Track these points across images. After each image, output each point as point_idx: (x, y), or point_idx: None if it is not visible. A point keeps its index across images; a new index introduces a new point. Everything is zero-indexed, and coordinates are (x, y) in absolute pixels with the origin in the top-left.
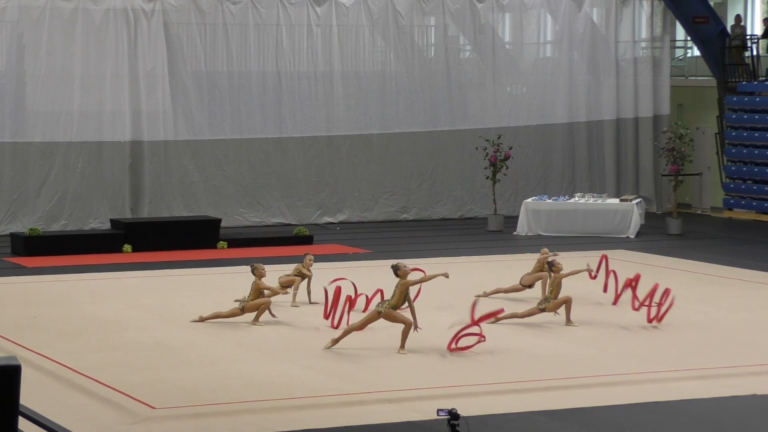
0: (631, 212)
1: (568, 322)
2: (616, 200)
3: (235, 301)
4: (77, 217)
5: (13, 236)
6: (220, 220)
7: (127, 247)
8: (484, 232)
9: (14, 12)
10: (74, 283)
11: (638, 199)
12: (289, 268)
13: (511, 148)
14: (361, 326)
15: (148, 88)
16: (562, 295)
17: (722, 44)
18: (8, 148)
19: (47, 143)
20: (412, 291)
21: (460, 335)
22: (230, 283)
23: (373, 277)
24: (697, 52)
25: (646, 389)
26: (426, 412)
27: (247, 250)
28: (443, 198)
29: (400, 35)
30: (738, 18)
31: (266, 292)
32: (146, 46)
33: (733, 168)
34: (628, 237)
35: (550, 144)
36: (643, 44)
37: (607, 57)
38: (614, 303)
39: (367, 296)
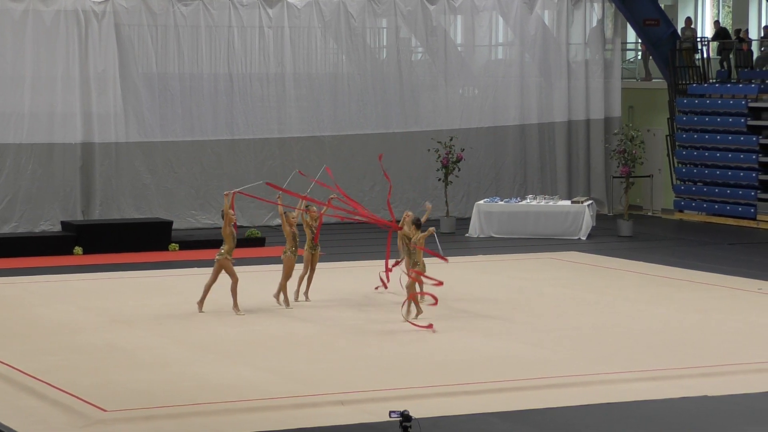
0: (583, 214)
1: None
2: (568, 202)
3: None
4: (28, 219)
5: None
6: (171, 222)
7: (78, 249)
8: (437, 234)
9: None
10: (25, 286)
11: (589, 201)
12: (241, 270)
13: (463, 150)
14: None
15: (99, 89)
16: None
17: (673, 46)
18: None
19: None
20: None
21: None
22: (182, 285)
23: (327, 277)
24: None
25: (597, 390)
26: (378, 413)
27: (199, 252)
28: (395, 200)
29: (352, 37)
30: (688, 20)
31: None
32: (97, 48)
33: (684, 170)
34: (579, 239)
35: (502, 146)
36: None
37: (559, 59)
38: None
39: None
